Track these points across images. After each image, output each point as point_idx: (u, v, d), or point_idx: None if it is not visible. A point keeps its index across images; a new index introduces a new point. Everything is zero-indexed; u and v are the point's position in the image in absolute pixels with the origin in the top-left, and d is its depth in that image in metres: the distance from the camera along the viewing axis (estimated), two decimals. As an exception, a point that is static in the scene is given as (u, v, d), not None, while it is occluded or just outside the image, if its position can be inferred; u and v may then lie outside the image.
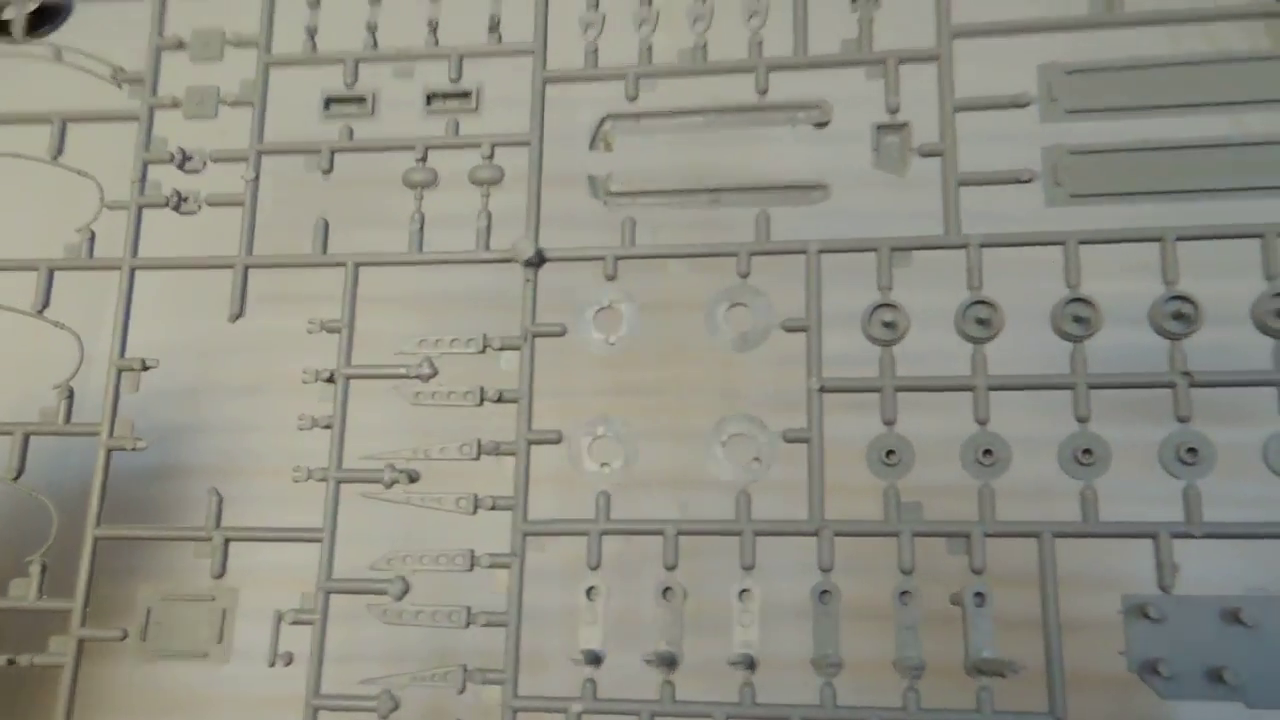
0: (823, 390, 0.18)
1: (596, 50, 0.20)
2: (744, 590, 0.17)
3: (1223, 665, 0.15)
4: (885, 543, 0.17)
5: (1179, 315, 0.17)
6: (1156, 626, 0.15)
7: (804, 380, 0.18)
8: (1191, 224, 0.17)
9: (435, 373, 0.19)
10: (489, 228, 0.20)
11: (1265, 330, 0.17)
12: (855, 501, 0.17)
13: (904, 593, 0.16)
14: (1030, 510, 0.17)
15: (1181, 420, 0.16)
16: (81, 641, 0.18)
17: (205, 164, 0.21)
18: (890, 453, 0.17)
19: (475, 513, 0.18)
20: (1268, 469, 0.16)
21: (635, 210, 0.20)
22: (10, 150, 0.22)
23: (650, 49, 0.20)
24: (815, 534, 0.17)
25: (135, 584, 0.19)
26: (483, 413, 0.19)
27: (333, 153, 0.21)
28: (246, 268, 0.20)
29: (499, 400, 0.19)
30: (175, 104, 0.22)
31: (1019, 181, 0.18)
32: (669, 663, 0.17)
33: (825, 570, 0.17)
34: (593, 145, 0.20)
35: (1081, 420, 0.17)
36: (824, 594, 0.17)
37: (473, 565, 0.18)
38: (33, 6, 0.22)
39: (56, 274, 0.21)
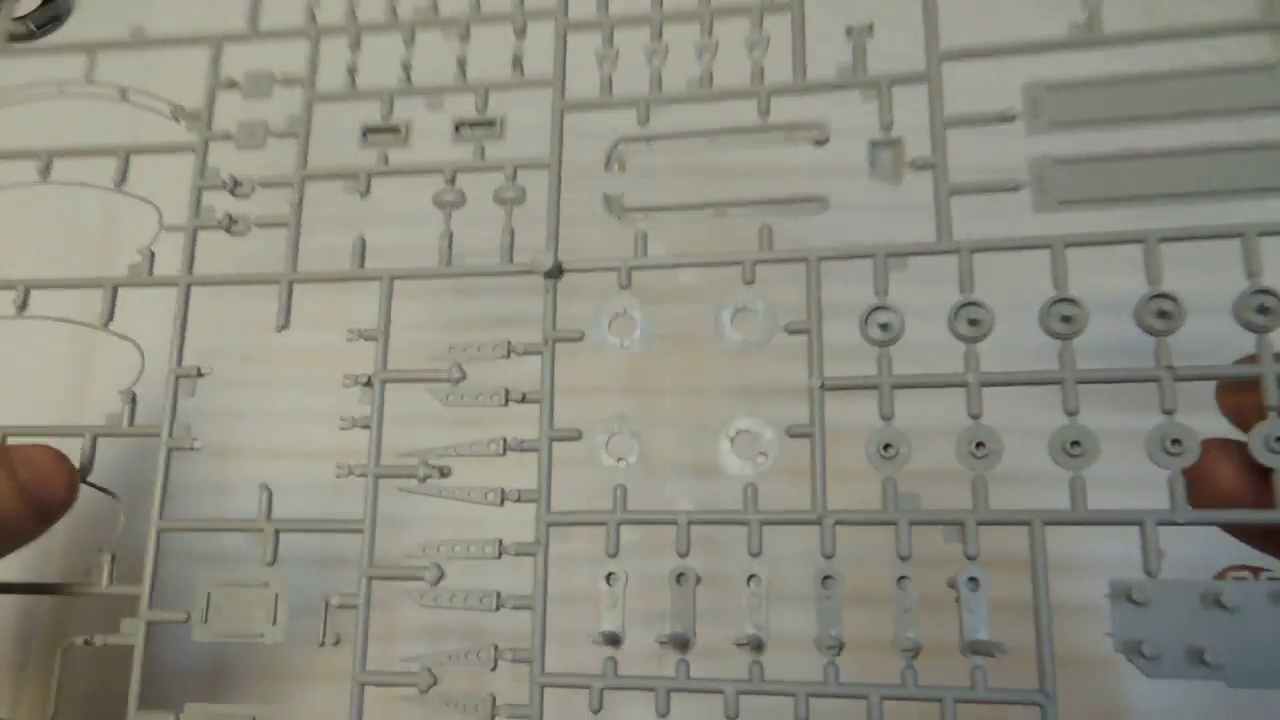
0: (823, 388, 0.19)
1: (611, 81, 0.22)
2: (752, 576, 0.18)
3: (1204, 646, 0.16)
4: (884, 530, 0.18)
5: (1162, 313, 0.18)
6: (1141, 609, 0.16)
7: (806, 377, 0.19)
8: (1173, 225, 0.18)
9: (464, 376, 0.21)
10: (512, 243, 0.22)
11: (1247, 326, 0.17)
12: (858, 488, 0.18)
13: (902, 578, 0.17)
14: (1022, 499, 0.18)
15: (1167, 413, 0.17)
16: (150, 623, 0.20)
17: (254, 189, 0.23)
18: (888, 446, 0.18)
19: (503, 504, 0.20)
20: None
21: (647, 224, 0.21)
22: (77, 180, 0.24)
23: (660, 79, 0.22)
24: (818, 523, 0.18)
25: (193, 566, 0.20)
26: (508, 411, 0.20)
27: (369, 177, 0.23)
28: (291, 283, 0.22)
29: (523, 401, 0.20)
30: (227, 136, 0.24)
31: (1007, 190, 0.19)
32: (682, 643, 0.18)
33: (828, 557, 0.18)
34: (607, 166, 0.22)
35: (1070, 414, 0.18)
36: (827, 579, 0.18)
37: (500, 553, 0.19)
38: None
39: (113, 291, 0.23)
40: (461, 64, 0.23)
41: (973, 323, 0.18)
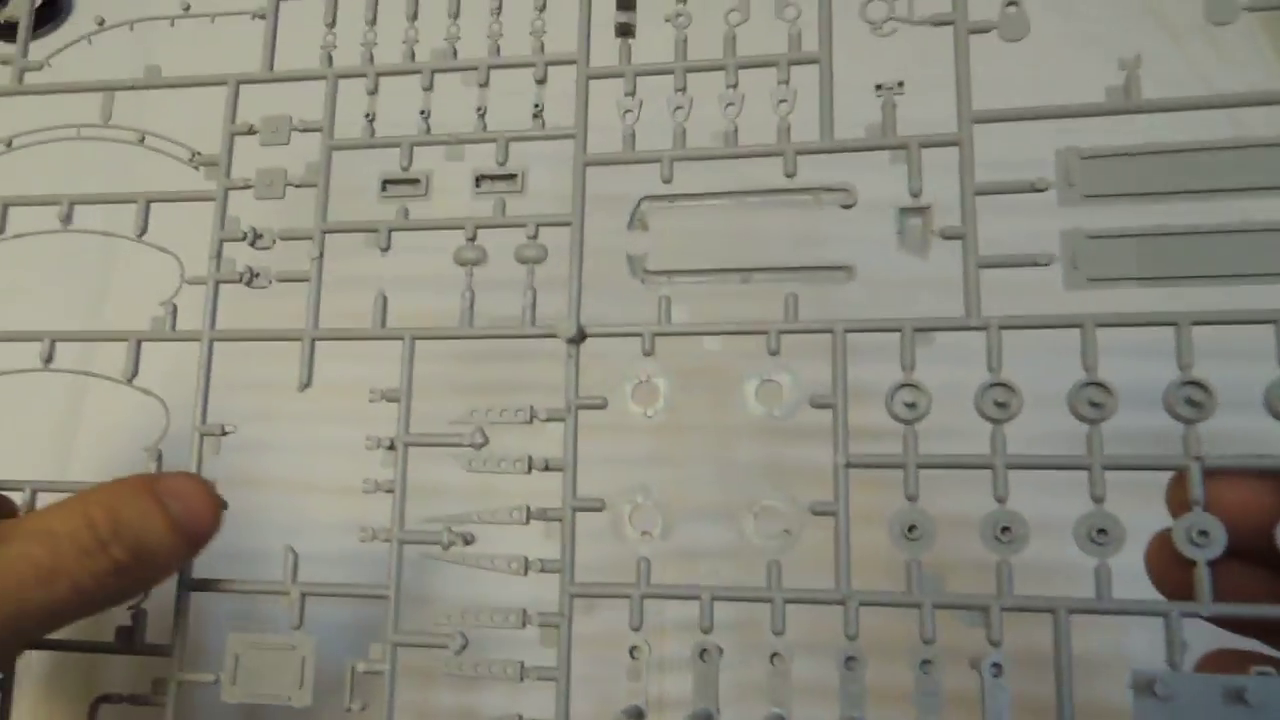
0: (849, 466, 0.19)
1: (634, 135, 0.22)
2: (775, 655, 0.18)
3: (1227, 742, 0.16)
4: (907, 611, 0.18)
5: (1192, 401, 0.17)
6: (1163, 704, 0.16)
7: (830, 453, 0.19)
8: (1206, 308, 0.18)
9: (486, 441, 0.21)
10: (534, 304, 0.21)
11: (1278, 415, 0.17)
12: (880, 571, 0.18)
13: (925, 661, 0.17)
14: (1046, 586, 0.18)
15: (1194, 504, 0.17)
16: (180, 683, 0.20)
17: (275, 242, 0.23)
18: (913, 528, 0.18)
19: (526, 574, 0.20)
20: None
21: (670, 288, 0.21)
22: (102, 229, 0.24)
23: (684, 133, 0.21)
24: (842, 603, 0.18)
25: (220, 624, 0.21)
26: (531, 478, 0.20)
27: (390, 231, 0.23)
28: (314, 340, 0.22)
29: (546, 469, 0.20)
30: (247, 185, 0.23)
31: (1037, 264, 0.19)
32: None
33: (851, 638, 0.18)
34: (630, 225, 0.22)
35: (1097, 500, 0.18)
36: (850, 660, 0.18)
37: (524, 624, 0.19)
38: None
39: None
40: (481, 113, 0.23)
41: (1000, 405, 0.18)
